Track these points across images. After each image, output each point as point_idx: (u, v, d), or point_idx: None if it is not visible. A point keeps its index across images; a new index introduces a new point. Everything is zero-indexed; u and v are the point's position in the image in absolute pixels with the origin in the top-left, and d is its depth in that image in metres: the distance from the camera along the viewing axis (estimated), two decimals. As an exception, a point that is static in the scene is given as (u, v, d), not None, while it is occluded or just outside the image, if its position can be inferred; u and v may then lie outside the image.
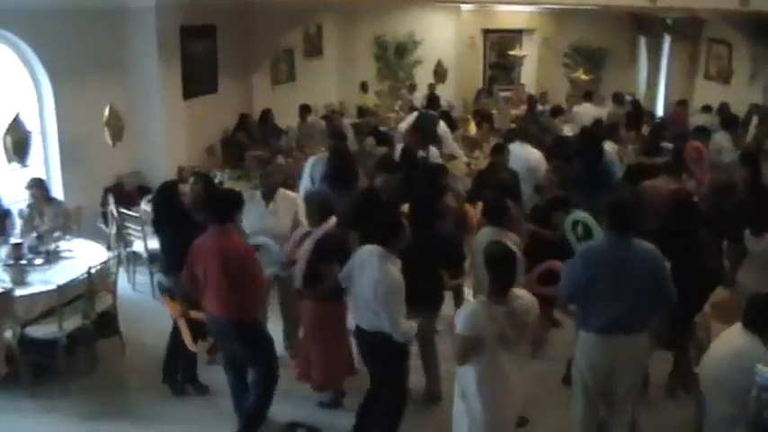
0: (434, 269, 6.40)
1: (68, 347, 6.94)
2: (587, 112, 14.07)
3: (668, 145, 10.86)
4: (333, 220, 6.38)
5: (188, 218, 6.59)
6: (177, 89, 11.00)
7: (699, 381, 5.36)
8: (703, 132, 10.21)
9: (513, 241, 6.08)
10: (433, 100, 13.31)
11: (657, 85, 19.43)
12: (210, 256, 5.74)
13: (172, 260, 6.46)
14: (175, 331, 6.60)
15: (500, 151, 8.78)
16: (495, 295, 4.91)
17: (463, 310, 4.97)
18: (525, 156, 9.29)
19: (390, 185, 7.73)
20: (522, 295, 5.01)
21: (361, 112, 15.73)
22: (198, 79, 12.12)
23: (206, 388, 6.90)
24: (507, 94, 19.02)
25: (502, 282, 4.92)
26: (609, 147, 10.04)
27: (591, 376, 5.61)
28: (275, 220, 7.20)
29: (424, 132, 10.47)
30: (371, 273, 5.53)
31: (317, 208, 6.48)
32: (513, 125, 14.29)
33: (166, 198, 6.72)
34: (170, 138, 10.75)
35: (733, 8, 13.97)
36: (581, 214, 6.95)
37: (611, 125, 12.14)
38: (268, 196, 7.33)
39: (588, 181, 8.36)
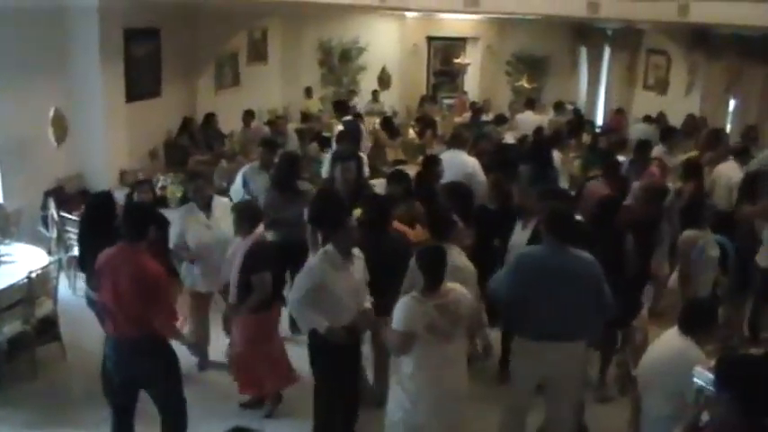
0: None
1: (8, 353, 6.84)
2: (529, 119, 14.28)
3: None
4: (260, 228, 6.41)
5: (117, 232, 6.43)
6: (120, 92, 10.86)
7: (637, 382, 5.47)
8: (645, 146, 10.37)
9: (462, 255, 6.17)
10: (340, 104, 13.48)
11: (597, 93, 19.82)
12: (121, 274, 5.37)
13: None
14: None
15: (433, 163, 8.72)
16: (427, 291, 5.11)
17: (397, 307, 5.12)
18: (461, 163, 9.23)
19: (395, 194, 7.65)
20: (455, 288, 5.21)
21: (305, 117, 15.73)
22: (141, 82, 11.98)
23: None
24: (451, 101, 19.19)
25: (432, 279, 5.12)
26: (554, 155, 10.23)
27: (523, 379, 5.77)
28: (218, 231, 7.21)
29: (348, 138, 10.61)
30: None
31: (246, 217, 6.46)
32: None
33: (98, 211, 6.54)
34: (112, 141, 10.60)
35: (671, 19, 14.38)
36: None
37: (555, 133, 12.35)
38: (205, 207, 7.30)
39: (537, 187, 8.47)
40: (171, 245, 7.18)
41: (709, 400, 3.97)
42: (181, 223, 7.23)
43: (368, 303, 5.93)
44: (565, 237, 5.52)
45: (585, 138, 13.65)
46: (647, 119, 14.97)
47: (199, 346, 6.89)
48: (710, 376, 4.28)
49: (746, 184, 8.87)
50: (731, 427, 3.70)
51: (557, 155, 10.55)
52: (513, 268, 5.74)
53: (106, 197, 6.89)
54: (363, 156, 9.78)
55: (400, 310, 5.09)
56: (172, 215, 7.69)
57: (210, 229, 7.20)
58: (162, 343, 5.62)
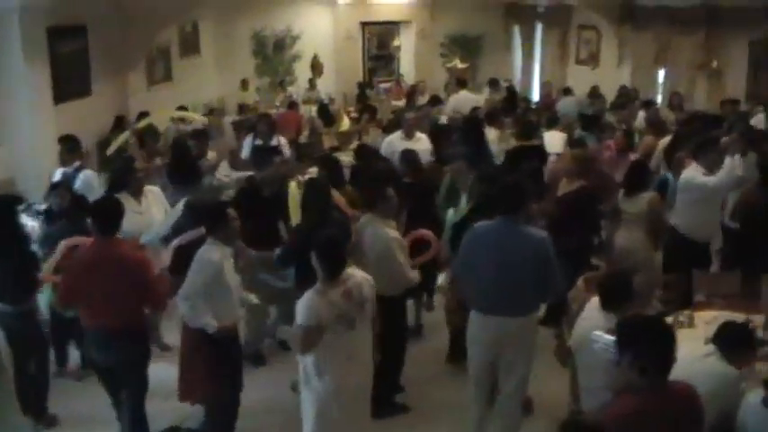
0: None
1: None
2: (465, 99, 14.31)
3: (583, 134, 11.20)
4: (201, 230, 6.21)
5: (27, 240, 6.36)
6: (46, 93, 10.64)
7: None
8: (593, 120, 10.50)
9: (390, 227, 6.23)
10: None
11: (532, 70, 20.03)
12: (108, 268, 5.52)
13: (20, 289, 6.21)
14: (18, 360, 6.16)
15: (364, 155, 8.84)
16: (329, 280, 5.06)
17: (301, 302, 5.04)
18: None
19: None
20: (354, 273, 5.21)
21: (242, 109, 15.62)
22: (69, 82, 11.77)
23: (53, 418, 6.58)
24: (387, 85, 19.22)
25: (331, 266, 5.07)
26: (490, 132, 10.31)
27: (477, 354, 5.78)
28: (149, 216, 7.27)
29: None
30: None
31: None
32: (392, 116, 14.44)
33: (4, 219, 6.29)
34: (40, 143, 10.31)
35: (599, -6, 14.58)
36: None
37: (490, 111, 12.40)
38: (137, 194, 7.33)
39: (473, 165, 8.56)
40: None
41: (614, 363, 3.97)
42: None
43: None
44: (515, 211, 5.53)
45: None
46: (567, 91, 15.68)
47: None
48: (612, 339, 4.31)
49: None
50: (634, 388, 3.73)
51: (493, 132, 10.65)
52: (464, 242, 5.80)
53: (10, 200, 6.62)
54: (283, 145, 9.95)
55: (304, 306, 5.00)
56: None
57: (142, 215, 7.23)
58: (144, 334, 5.85)
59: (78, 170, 8.48)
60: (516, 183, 5.95)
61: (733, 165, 7.42)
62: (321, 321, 4.95)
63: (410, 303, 7.55)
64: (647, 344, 3.70)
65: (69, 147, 8.81)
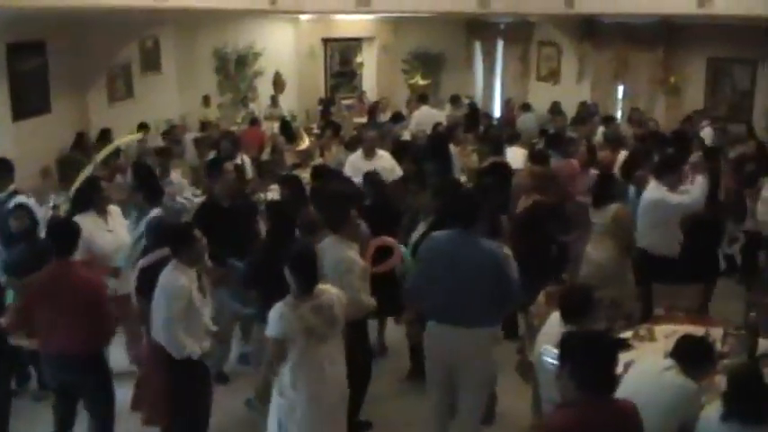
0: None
1: None
2: (426, 115, 14.36)
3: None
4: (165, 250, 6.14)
5: None
6: (5, 110, 10.56)
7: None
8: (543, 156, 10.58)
9: (353, 249, 6.23)
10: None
11: (493, 87, 20.16)
12: (64, 291, 5.49)
13: None
14: None
15: (323, 173, 8.86)
16: (300, 294, 5.10)
17: (271, 314, 5.09)
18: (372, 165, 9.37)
19: None
20: (328, 289, 5.25)
21: (204, 126, 15.54)
22: (28, 99, 11.65)
23: None
24: (350, 102, 19.24)
25: (304, 281, 5.11)
26: (450, 148, 10.39)
27: (433, 365, 5.81)
28: (119, 235, 7.26)
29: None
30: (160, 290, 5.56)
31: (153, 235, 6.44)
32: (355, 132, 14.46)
33: None
34: (0, 162, 10.24)
35: (558, 11, 14.78)
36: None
37: (450, 127, 12.50)
38: (102, 212, 7.28)
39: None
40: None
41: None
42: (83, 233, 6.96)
43: None
44: (469, 223, 5.58)
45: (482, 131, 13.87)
46: (525, 107, 16.01)
47: None
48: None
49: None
50: (570, 402, 3.76)
51: (453, 149, 10.72)
52: (421, 251, 5.89)
53: None
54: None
55: (274, 318, 5.06)
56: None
57: (112, 233, 7.19)
58: (100, 355, 5.82)
59: (12, 195, 7.92)
60: (470, 195, 6.02)
61: (705, 183, 7.66)
62: (289, 333, 5.01)
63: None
64: (583, 359, 3.70)
65: (1, 171, 8.16)
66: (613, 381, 3.76)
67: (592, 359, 3.69)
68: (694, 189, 7.81)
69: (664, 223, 7.75)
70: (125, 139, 11.82)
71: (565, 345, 3.89)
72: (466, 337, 5.55)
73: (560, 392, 3.90)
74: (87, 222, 6.99)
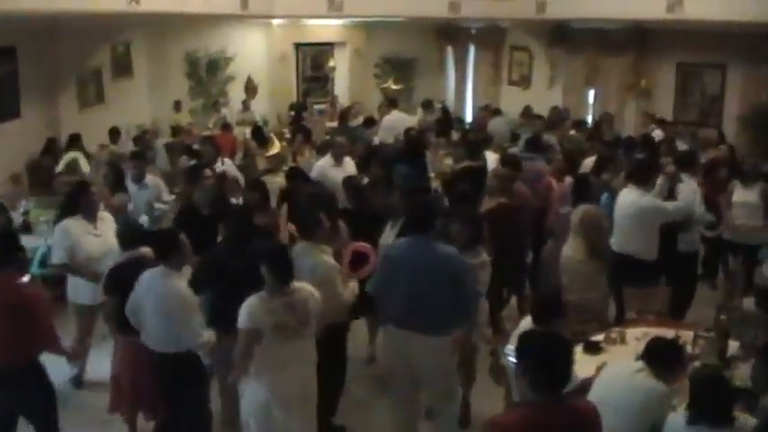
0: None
1: None
2: (397, 119, 14.37)
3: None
4: (144, 250, 6.22)
5: None
6: (-26, 116, 10.48)
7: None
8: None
9: (327, 254, 6.22)
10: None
11: (465, 92, 20.22)
12: None
13: None
14: None
15: (294, 175, 8.90)
16: (276, 289, 5.20)
17: (243, 306, 5.19)
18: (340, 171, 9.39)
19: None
20: (302, 287, 5.34)
21: (175, 131, 15.46)
22: (-2, 104, 11.58)
23: None
24: (322, 106, 19.24)
25: (279, 275, 5.22)
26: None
27: (392, 361, 5.95)
28: (107, 239, 7.12)
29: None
30: (156, 293, 5.57)
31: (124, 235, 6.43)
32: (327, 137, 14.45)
33: None
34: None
35: (529, 16, 14.89)
36: None
37: (420, 131, 12.54)
38: (92, 217, 7.25)
39: (414, 183, 8.76)
40: (57, 261, 7.09)
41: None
42: (70, 237, 7.05)
43: None
44: (425, 229, 5.68)
45: (455, 135, 13.93)
46: (497, 112, 16.00)
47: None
48: None
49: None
50: (523, 402, 3.80)
51: (426, 153, 10.78)
52: (381, 258, 6.04)
53: None
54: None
55: (245, 310, 5.16)
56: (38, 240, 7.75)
57: (100, 238, 7.14)
58: (42, 372, 5.63)
59: None
60: (424, 202, 6.09)
61: (693, 188, 7.77)
62: (258, 326, 5.12)
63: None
64: (536, 359, 3.70)
65: None
66: (565, 379, 3.74)
67: (544, 357, 3.70)
68: (687, 194, 7.91)
69: (649, 228, 7.81)
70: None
71: (519, 345, 3.91)
72: (423, 344, 5.64)
73: (519, 392, 3.93)
74: (74, 226, 7.10)
